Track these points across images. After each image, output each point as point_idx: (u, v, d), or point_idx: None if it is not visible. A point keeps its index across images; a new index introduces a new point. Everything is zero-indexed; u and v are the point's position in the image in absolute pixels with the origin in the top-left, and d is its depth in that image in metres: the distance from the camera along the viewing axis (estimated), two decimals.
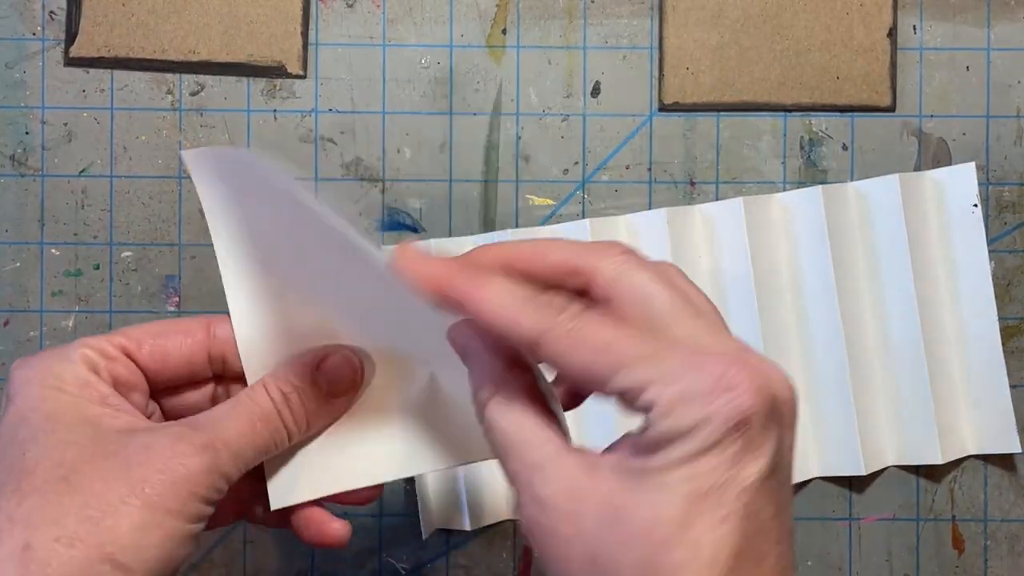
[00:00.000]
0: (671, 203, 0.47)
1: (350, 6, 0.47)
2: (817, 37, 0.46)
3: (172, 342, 0.32)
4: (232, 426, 0.30)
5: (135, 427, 0.30)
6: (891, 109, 0.47)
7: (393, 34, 0.47)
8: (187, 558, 0.30)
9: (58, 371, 0.30)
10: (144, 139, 0.47)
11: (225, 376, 0.34)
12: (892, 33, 0.47)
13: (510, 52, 0.47)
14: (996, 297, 0.46)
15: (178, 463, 0.29)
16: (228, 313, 0.33)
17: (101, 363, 0.31)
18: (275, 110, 0.47)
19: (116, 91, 0.46)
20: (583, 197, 0.47)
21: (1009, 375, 0.46)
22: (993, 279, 0.46)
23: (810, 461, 0.45)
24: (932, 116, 0.47)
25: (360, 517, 0.46)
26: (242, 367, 0.33)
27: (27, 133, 0.46)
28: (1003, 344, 0.46)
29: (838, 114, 0.47)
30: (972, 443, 0.45)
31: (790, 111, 0.47)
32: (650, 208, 0.46)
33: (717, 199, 0.46)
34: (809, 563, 0.46)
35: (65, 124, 0.46)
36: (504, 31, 0.47)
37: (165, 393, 0.33)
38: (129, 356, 0.32)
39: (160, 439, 0.29)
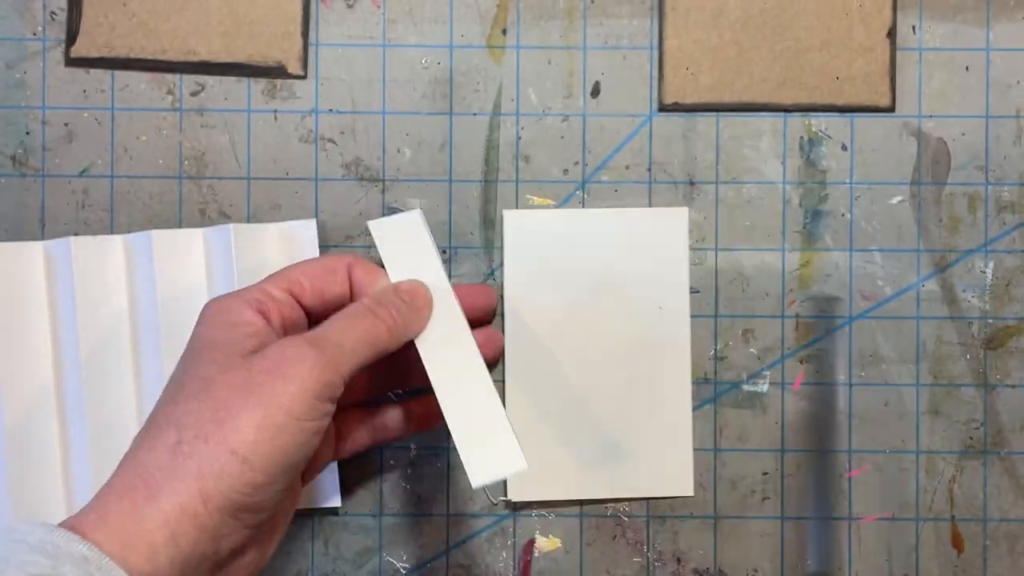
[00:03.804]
0: (670, 203, 0.47)
1: (350, 6, 0.47)
2: (817, 37, 0.47)
3: (327, 283, 0.39)
4: (336, 326, 0.36)
5: (265, 344, 0.35)
6: (891, 109, 0.47)
7: (393, 34, 0.47)
8: (308, 453, 0.35)
9: (227, 307, 0.36)
10: (145, 139, 0.47)
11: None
12: (892, 33, 0.47)
13: (510, 52, 0.47)
14: (995, 297, 0.47)
15: (289, 366, 0.34)
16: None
17: (270, 305, 0.37)
18: (275, 110, 0.47)
19: (117, 91, 0.47)
20: (583, 197, 0.47)
21: (1009, 375, 0.46)
22: (992, 279, 0.47)
23: None
24: (932, 116, 0.47)
25: (360, 517, 0.46)
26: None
27: (28, 133, 0.46)
28: (1003, 344, 0.46)
29: (838, 114, 0.47)
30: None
31: (790, 111, 0.47)
32: (650, 207, 0.46)
33: (717, 199, 0.47)
34: (809, 562, 0.46)
35: (66, 124, 0.46)
36: (504, 31, 0.47)
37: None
38: (296, 298, 0.38)
39: (275, 349, 0.35)
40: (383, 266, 0.40)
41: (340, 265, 0.39)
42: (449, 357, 0.38)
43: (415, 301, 0.38)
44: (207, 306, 0.37)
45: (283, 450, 0.33)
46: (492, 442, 0.37)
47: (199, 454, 0.33)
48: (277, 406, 0.33)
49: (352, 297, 0.39)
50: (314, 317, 0.38)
